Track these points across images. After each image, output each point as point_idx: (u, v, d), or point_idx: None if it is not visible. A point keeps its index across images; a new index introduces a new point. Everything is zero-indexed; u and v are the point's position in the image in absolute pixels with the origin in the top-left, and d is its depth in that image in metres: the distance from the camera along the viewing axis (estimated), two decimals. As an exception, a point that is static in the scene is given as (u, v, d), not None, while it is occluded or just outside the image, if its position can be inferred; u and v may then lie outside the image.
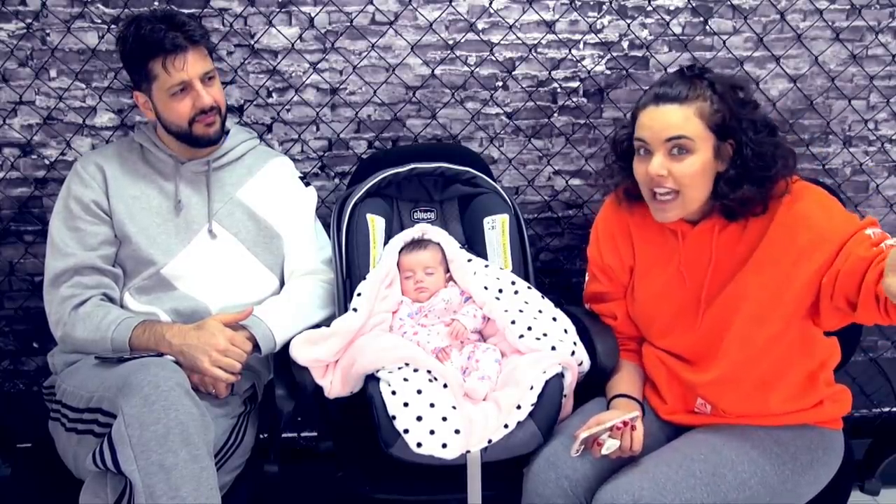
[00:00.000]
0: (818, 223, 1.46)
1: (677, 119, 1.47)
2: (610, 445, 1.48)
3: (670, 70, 2.11)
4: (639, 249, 1.69)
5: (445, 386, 1.63)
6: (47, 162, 2.07)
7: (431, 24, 2.05)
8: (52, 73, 2.01)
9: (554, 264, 2.29)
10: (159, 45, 1.64)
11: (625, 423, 1.49)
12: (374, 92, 2.09)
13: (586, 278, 1.83)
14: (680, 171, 1.48)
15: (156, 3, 1.97)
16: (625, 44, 2.12)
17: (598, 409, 1.65)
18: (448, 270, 1.88)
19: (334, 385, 1.68)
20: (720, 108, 1.47)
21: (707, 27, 2.12)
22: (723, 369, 1.57)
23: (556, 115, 2.16)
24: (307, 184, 1.92)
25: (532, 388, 1.62)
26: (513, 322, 1.73)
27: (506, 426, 1.58)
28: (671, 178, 1.49)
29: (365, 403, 1.63)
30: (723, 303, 1.56)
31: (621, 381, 1.68)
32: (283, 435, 2.08)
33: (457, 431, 1.54)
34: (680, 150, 1.47)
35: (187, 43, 1.66)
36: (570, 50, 2.10)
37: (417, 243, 1.88)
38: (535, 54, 2.10)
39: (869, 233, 1.43)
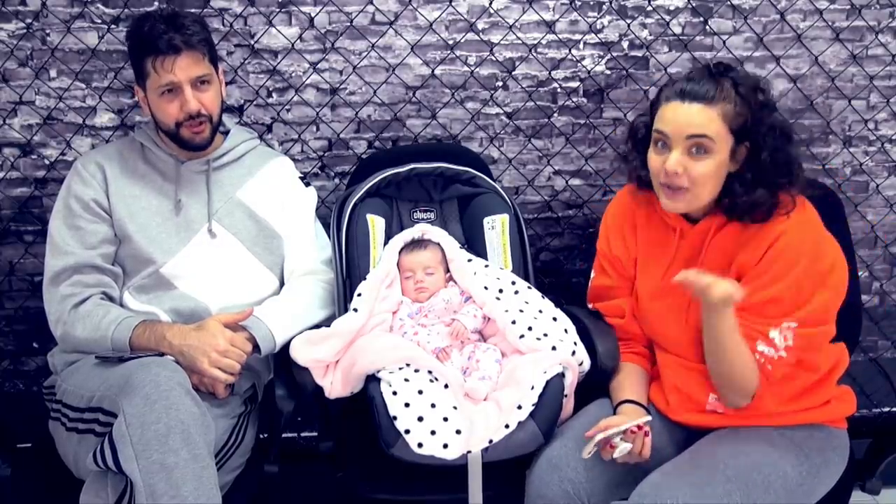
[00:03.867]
0: (784, 282, 1.48)
1: (702, 119, 1.47)
2: (622, 448, 1.48)
3: (671, 70, 2.11)
4: (641, 242, 1.71)
5: (446, 386, 1.63)
6: (47, 162, 2.07)
7: (431, 24, 2.05)
8: (52, 73, 2.01)
9: (554, 264, 2.29)
10: (153, 43, 1.64)
11: (639, 427, 1.50)
12: (374, 92, 2.09)
13: (591, 275, 1.82)
14: (696, 170, 1.49)
15: (156, 3, 1.97)
16: (625, 44, 2.12)
17: (600, 411, 1.65)
18: (448, 270, 1.88)
19: (335, 385, 1.68)
20: (742, 111, 1.48)
21: (707, 27, 2.12)
22: None
23: (556, 115, 2.16)
24: (307, 184, 1.92)
25: (533, 388, 1.61)
26: (513, 322, 1.73)
27: (506, 426, 1.58)
28: (685, 177, 1.49)
29: (365, 404, 1.63)
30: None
31: (626, 385, 1.67)
32: (283, 435, 2.08)
33: (458, 432, 1.54)
34: (699, 149, 1.48)
35: (182, 45, 1.64)
36: (570, 50, 2.10)
37: (417, 243, 1.88)
38: (535, 54, 2.10)
39: (774, 336, 1.48)
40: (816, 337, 1.52)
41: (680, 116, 1.49)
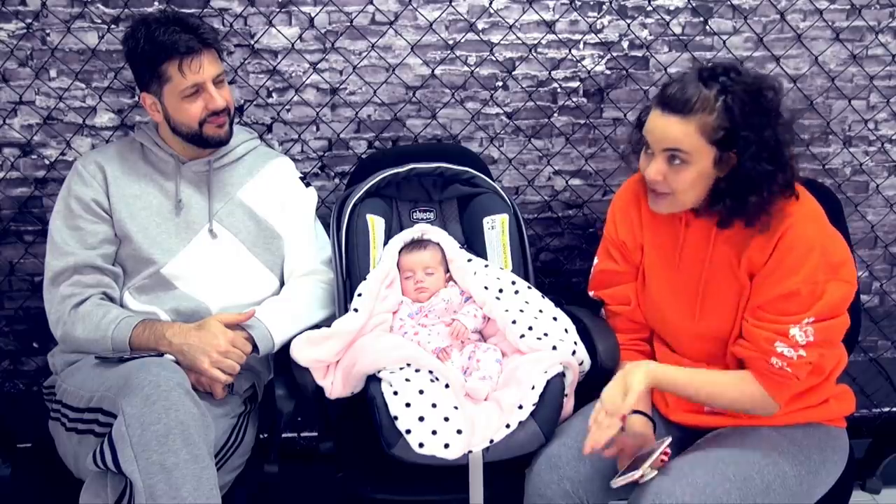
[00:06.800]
0: (800, 275, 1.48)
1: (676, 133, 1.47)
2: (648, 474, 1.48)
3: (671, 70, 2.11)
4: (647, 230, 1.71)
5: (447, 386, 1.63)
6: (47, 162, 2.07)
7: (431, 24, 2.05)
8: (52, 73, 2.01)
9: (554, 264, 2.29)
10: (174, 47, 1.64)
11: (666, 454, 1.49)
12: (374, 92, 2.09)
13: (595, 262, 1.81)
14: (674, 178, 1.51)
15: (156, 3, 1.97)
16: (625, 44, 2.12)
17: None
18: (448, 270, 1.88)
19: (335, 386, 1.68)
20: (723, 123, 1.45)
21: (707, 27, 2.12)
22: (725, 363, 1.60)
23: (556, 115, 2.16)
24: (307, 184, 1.92)
25: (533, 387, 1.62)
26: (513, 322, 1.73)
27: (507, 426, 1.58)
28: (666, 184, 1.52)
29: (366, 404, 1.63)
30: (717, 297, 1.58)
31: None
32: (283, 435, 2.07)
33: (459, 431, 1.54)
34: (676, 160, 1.49)
35: (201, 46, 1.66)
36: (570, 50, 2.10)
37: (417, 243, 1.88)
38: (535, 54, 2.10)
39: (795, 333, 1.48)
40: (835, 327, 1.52)
41: (657, 128, 1.50)
